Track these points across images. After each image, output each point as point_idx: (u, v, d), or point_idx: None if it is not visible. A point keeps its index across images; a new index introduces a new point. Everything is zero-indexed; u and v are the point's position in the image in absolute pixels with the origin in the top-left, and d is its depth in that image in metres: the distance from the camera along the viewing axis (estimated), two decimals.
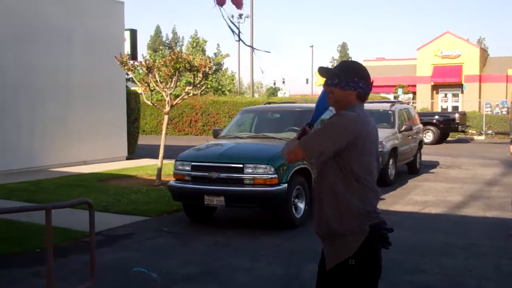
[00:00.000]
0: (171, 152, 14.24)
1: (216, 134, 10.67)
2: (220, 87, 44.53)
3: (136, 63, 13.88)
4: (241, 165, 8.34)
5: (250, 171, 8.29)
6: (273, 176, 8.21)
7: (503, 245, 7.69)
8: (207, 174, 8.52)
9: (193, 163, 8.79)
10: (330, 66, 3.58)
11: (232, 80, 50.64)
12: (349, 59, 3.28)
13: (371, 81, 3.28)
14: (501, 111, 36.26)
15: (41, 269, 6.04)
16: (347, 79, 3.20)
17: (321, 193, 3.21)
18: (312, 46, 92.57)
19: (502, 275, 6.35)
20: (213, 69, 13.80)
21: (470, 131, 29.78)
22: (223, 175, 8.42)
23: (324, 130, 3.16)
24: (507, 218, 9.19)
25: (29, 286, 6.03)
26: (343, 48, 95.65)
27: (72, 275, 6.18)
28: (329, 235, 3.17)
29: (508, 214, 9.33)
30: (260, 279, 6.21)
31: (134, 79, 13.70)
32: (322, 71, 3.32)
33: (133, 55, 19.61)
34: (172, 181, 9.16)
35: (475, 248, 7.52)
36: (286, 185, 8.30)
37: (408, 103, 20.76)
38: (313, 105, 12.07)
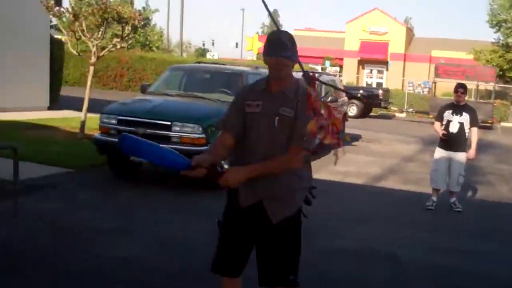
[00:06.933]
0: (95, 106, 13.85)
1: (144, 90, 10.44)
2: (148, 42, 43.64)
3: (62, 9, 13.29)
4: (168, 123, 8.23)
5: (178, 129, 8.20)
6: (200, 136, 8.15)
7: (418, 216, 8.05)
8: (133, 129, 8.30)
9: (119, 117, 8.59)
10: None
11: (161, 36, 49.61)
12: (279, 28, 3.25)
13: None
14: (423, 91, 37.49)
15: None
16: (295, 51, 3.25)
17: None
18: (243, 9, 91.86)
19: (415, 244, 6.61)
20: (142, 23, 13.44)
21: (392, 107, 30.59)
22: (149, 131, 8.22)
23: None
24: (423, 192, 9.54)
25: None
26: (274, 14, 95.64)
27: None
28: (284, 194, 3.40)
29: (424, 189, 9.70)
30: (183, 233, 6.25)
31: (60, 26, 13.14)
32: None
33: (58, 1, 18.76)
34: (97, 134, 8.93)
35: (392, 218, 7.81)
36: None
37: (335, 76, 21.00)
38: (243, 68, 11.89)
